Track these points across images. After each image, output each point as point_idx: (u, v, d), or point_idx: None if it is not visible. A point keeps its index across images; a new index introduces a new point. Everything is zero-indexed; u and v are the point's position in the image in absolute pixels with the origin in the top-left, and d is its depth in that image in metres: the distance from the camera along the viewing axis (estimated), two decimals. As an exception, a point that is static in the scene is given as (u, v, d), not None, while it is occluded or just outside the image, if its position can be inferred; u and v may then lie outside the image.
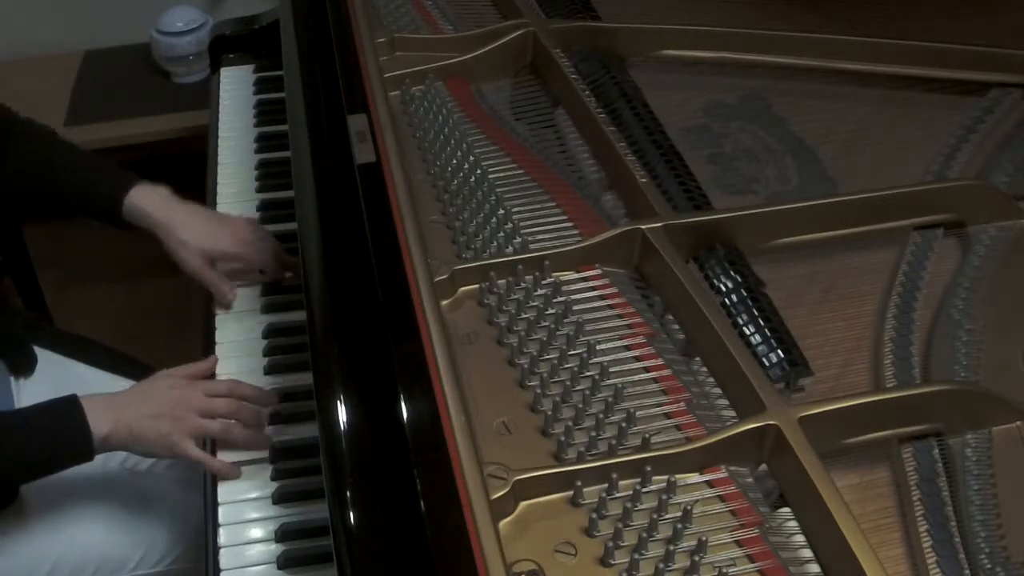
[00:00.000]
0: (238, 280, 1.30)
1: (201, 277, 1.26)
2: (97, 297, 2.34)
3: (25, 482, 1.12)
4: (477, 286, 0.97)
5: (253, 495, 1.07)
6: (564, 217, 1.05)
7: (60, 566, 1.19)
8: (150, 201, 1.26)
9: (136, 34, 2.49)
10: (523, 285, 0.97)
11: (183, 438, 1.07)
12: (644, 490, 0.79)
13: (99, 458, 1.33)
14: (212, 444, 1.11)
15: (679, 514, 0.77)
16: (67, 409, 1.04)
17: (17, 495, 1.19)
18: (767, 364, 0.89)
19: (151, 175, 1.35)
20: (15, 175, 1.29)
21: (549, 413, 0.84)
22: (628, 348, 0.91)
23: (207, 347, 1.23)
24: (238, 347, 1.24)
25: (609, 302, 0.96)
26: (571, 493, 0.79)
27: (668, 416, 0.85)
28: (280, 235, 1.36)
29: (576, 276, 0.98)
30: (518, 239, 1.02)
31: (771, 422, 0.80)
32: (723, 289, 0.97)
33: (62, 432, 1.04)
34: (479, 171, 1.11)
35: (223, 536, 1.04)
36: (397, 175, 1.04)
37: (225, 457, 1.10)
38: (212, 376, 1.19)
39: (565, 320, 0.93)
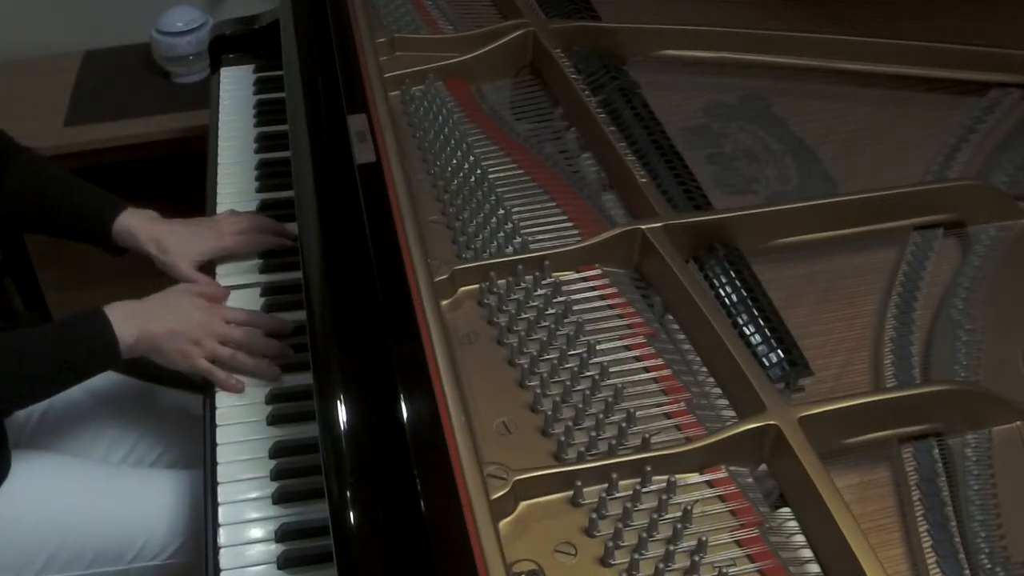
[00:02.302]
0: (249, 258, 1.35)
1: (191, 282, 1.29)
2: (97, 297, 2.34)
3: (57, 391, 1.17)
4: (477, 286, 0.97)
5: (253, 495, 1.07)
6: (564, 217, 1.05)
7: (57, 556, 1.19)
8: (137, 223, 1.32)
9: (136, 34, 2.49)
10: (523, 285, 0.97)
11: (199, 358, 1.16)
12: (644, 490, 0.79)
13: (98, 451, 1.35)
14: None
15: (679, 514, 0.77)
16: (96, 320, 1.12)
17: (9, 468, 1.20)
18: (767, 364, 0.89)
19: (151, 175, 1.36)
20: (10, 198, 1.34)
21: (549, 413, 0.84)
22: (628, 348, 0.91)
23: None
24: (238, 347, 1.23)
25: (609, 302, 0.96)
26: (571, 493, 0.79)
27: (668, 416, 0.85)
28: (280, 236, 1.36)
29: (576, 276, 0.98)
30: (518, 239, 1.02)
31: (771, 422, 0.80)
32: (723, 289, 0.97)
33: (93, 342, 1.12)
34: (479, 171, 1.11)
35: (223, 536, 1.03)
36: (397, 175, 1.03)
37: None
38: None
39: (565, 320, 0.93)
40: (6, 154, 1.35)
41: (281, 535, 1.03)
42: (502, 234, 1.02)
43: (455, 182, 1.10)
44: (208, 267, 1.34)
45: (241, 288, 1.31)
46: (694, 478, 0.81)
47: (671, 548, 0.75)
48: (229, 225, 1.34)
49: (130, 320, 1.13)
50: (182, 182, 1.40)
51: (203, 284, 1.28)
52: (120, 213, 1.32)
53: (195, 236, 1.32)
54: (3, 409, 1.13)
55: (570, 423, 0.83)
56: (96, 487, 1.25)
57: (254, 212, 1.40)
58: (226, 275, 1.33)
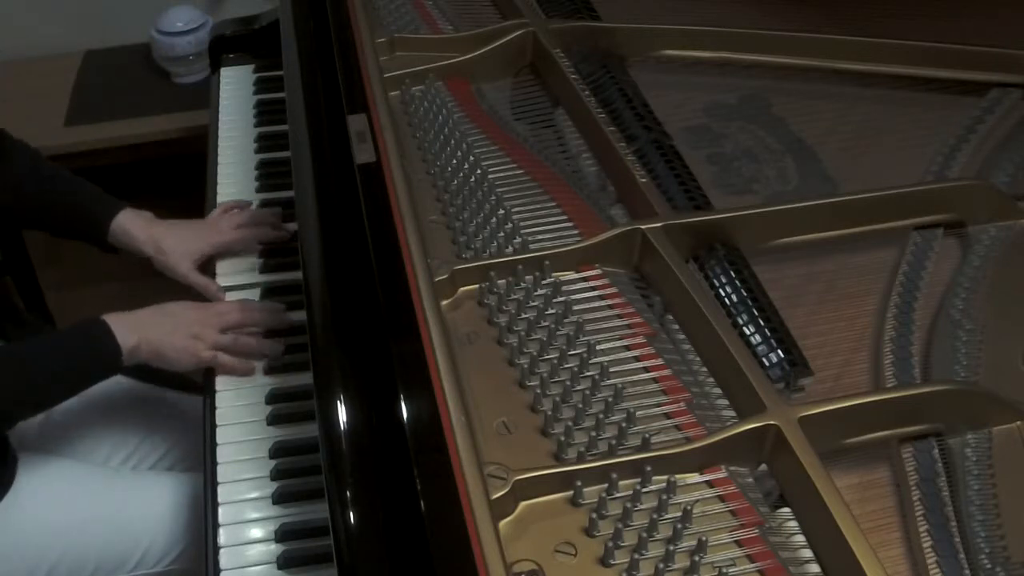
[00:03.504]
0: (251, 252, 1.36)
1: (189, 281, 1.31)
2: (97, 297, 2.34)
3: (59, 401, 1.19)
4: (477, 286, 0.97)
5: (253, 495, 1.07)
6: (564, 217, 1.05)
7: (59, 566, 1.19)
8: (133, 224, 1.33)
9: (136, 34, 2.49)
10: (523, 285, 0.97)
11: (203, 350, 1.17)
12: (644, 490, 0.79)
13: (100, 456, 1.35)
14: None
15: (679, 514, 0.77)
16: (97, 329, 1.13)
17: (14, 480, 1.20)
18: (767, 364, 0.89)
19: (151, 175, 1.36)
20: (8, 194, 1.35)
21: (549, 413, 0.84)
22: (628, 348, 0.91)
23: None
24: (238, 347, 1.23)
25: (609, 302, 0.96)
26: (571, 493, 0.79)
27: (668, 416, 0.85)
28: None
29: (576, 276, 0.98)
30: (518, 239, 1.02)
31: (771, 422, 0.80)
32: (723, 289, 0.97)
33: (95, 350, 1.13)
34: (479, 171, 1.11)
35: (223, 536, 1.04)
36: (397, 175, 1.03)
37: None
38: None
39: (565, 320, 0.93)
40: (4, 151, 1.35)
41: (281, 535, 1.03)
42: (502, 234, 1.02)
43: (455, 182, 1.10)
44: (208, 267, 1.35)
45: (241, 288, 1.32)
46: (694, 478, 0.81)
47: (671, 548, 0.75)
48: (227, 220, 1.35)
49: (129, 328, 1.14)
50: (182, 182, 1.40)
51: (202, 286, 1.29)
52: (117, 214, 1.33)
53: (192, 235, 1.33)
54: (7, 420, 1.13)
55: (570, 423, 0.83)
56: (98, 495, 1.24)
57: (251, 207, 1.40)
58: (226, 275, 1.33)
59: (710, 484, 0.80)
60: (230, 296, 1.30)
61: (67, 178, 1.37)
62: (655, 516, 0.77)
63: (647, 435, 0.81)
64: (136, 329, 1.14)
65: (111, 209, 1.33)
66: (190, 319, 1.18)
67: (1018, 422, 0.86)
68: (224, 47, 1.74)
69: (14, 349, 1.16)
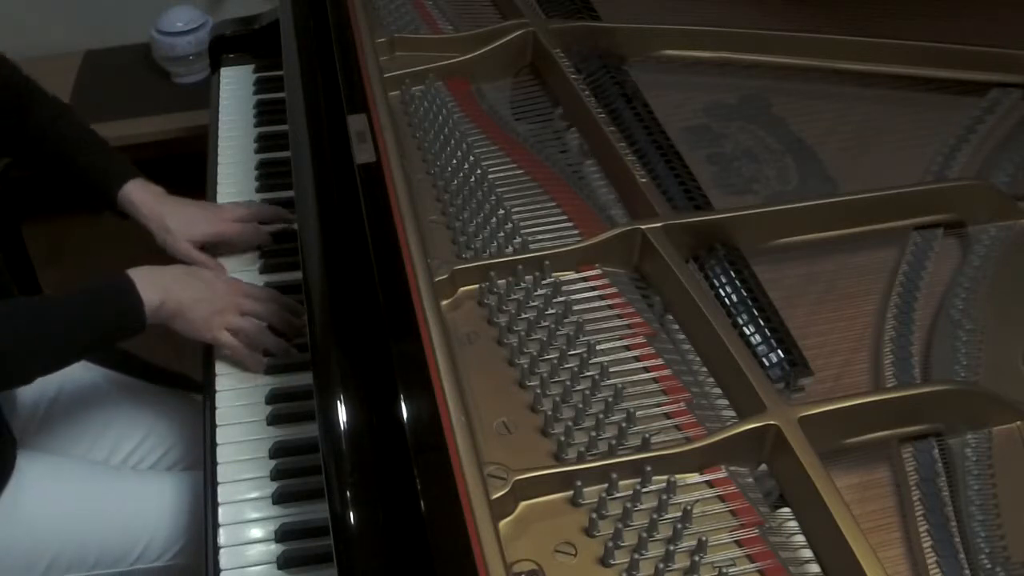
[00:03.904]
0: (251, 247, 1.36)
1: (190, 259, 1.31)
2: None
3: (83, 356, 1.19)
4: (477, 286, 0.97)
5: (253, 495, 1.07)
6: (564, 217, 1.05)
7: (59, 559, 1.19)
8: (142, 197, 1.32)
9: (136, 34, 2.49)
10: (523, 285, 0.97)
11: (220, 329, 1.16)
12: (644, 490, 0.79)
13: (99, 454, 1.35)
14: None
15: (679, 514, 0.77)
16: (121, 284, 1.12)
17: (14, 467, 1.20)
18: (767, 364, 0.89)
19: (151, 175, 1.36)
20: (32, 144, 1.35)
21: (549, 413, 0.84)
22: (628, 348, 0.91)
23: (208, 348, 1.23)
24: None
25: (609, 302, 0.96)
26: (571, 493, 0.79)
27: (668, 416, 0.85)
28: (280, 235, 1.37)
29: (576, 276, 0.98)
30: (518, 239, 1.02)
31: (771, 422, 0.80)
32: (723, 289, 0.97)
33: (121, 308, 1.11)
34: (479, 171, 1.11)
35: (223, 536, 1.03)
36: (397, 175, 1.03)
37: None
38: None
39: (565, 320, 0.93)
40: (32, 101, 1.36)
41: (281, 535, 1.03)
42: (502, 234, 1.02)
43: (455, 182, 1.10)
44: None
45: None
46: (694, 478, 0.81)
47: (671, 548, 0.75)
48: (230, 211, 1.35)
49: (156, 283, 1.13)
50: (182, 182, 1.40)
51: (201, 262, 1.29)
52: (128, 182, 1.32)
53: (196, 218, 1.33)
54: (30, 374, 1.11)
55: (570, 423, 0.83)
56: (99, 490, 1.25)
57: (258, 202, 1.41)
58: (228, 269, 1.33)
59: (710, 484, 0.80)
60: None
61: (90, 136, 1.37)
62: (655, 516, 0.77)
63: (647, 435, 0.81)
64: (162, 285, 1.13)
65: (122, 177, 1.33)
66: (219, 291, 1.18)
67: (1018, 422, 0.86)
68: (224, 47, 1.73)
69: (33, 300, 1.14)
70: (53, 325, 1.09)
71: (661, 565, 0.73)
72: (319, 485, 0.85)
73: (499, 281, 0.97)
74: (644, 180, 1.05)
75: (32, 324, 1.07)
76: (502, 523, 0.76)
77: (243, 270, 1.33)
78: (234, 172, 1.51)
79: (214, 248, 1.34)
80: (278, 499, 1.06)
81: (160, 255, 1.31)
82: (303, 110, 1.21)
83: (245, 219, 1.35)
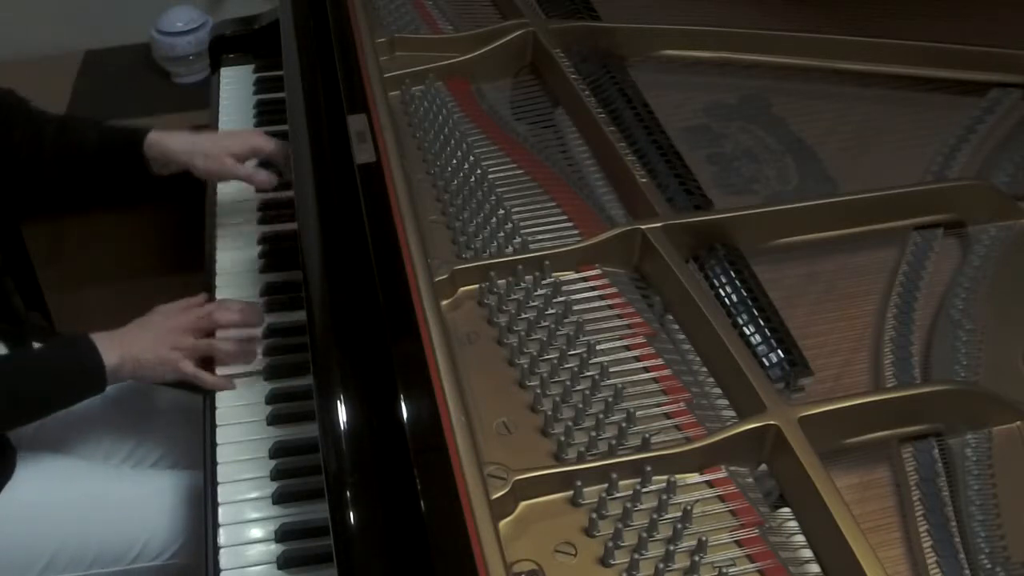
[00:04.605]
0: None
1: (234, 174, 1.33)
2: (97, 297, 2.34)
3: (43, 416, 1.20)
4: (477, 286, 0.97)
5: (253, 495, 1.07)
6: (564, 217, 1.05)
7: (58, 558, 1.20)
8: (168, 137, 1.34)
9: (136, 34, 2.49)
10: (523, 285, 0.97)
11: (181, 359, 1.17)
12: (644, 490, 0.79)
13: (100, 454, 1.35)
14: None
15: (679, 514, 0.77)
16: (82, 346, 1.13)
17: (13, 470, 1.20)
18: (767, 364, 0.89)
19: (151, 175, 1.35)
20: (44, 147, 1.35)
21: (549, 413, 0.84)
22: (628, 348, 0.91)
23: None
24: (238, 347, 1.23)
25: (609, 302, 0.96)
26: (571, 493, 0.79)
27: (668, 416, 0.85)
28: (280, 235, 1.37)
29: (576, 276, 0.98)
30: (518, 239, 1.02)
31: (771, 422, 0.80)
32: (723, 289, 0.97)
33: (82, 370, 1.13)
34: (479, 171, 1.11)
35: (223, 536, 1.03)
36: (397, 175, 1.04)
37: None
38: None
39: (565, 320, 0.93)
40: (27, 115, 1.36)
41: (281, 535, 1.03)
42: (502, 234, 1.02)
43: (455, 182, 1.10)
44: (209, 265, 1.35)
45: (241, 287, 1.31)
46: (694, 478, 0.81)
47: (671, 548, 0.75)
48: (259, 133, 1.38)
49: (112, 345, 1.14)
50: (182, 182, 1.40)
51: (248, 176, 1.32)
52: (149, 133, 1.34)
53: (227, 136, 1.38)
54: None
55: (570, 423, 0.83)
56: (98, 489, 1.25)
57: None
58: (226, 275, 1.33)
59: (710, 484, 0.80)
60: (228, 295, 1.30)
61: (92, 123, 1.38)
62: (655, 516, 0.77)
63: (647, 435, 0.81)
64: (119, 347, 1.14)
65: (140, 132, 1.34)
66: (167, 327, 1.18)
67: (1018, 422, 0.86)
68: (224, 47, 1.74)
69: (2, 358, 1.16)
70: (17, 387, 1.11)
71: (661, 565, 0.73)
72: (319, 485, 0.85)
73: (499, 281, 0.97)
74: (644, 180, 1.05)
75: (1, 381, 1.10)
76: (502, 523, 0.76)
77: (243, 272, 1.33)
78: (234, 172, 1.50)
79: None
80: (278, 499, 1.06)
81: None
82: (303, 110, 1.21)
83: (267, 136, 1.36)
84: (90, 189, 1.43)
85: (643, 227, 0.98)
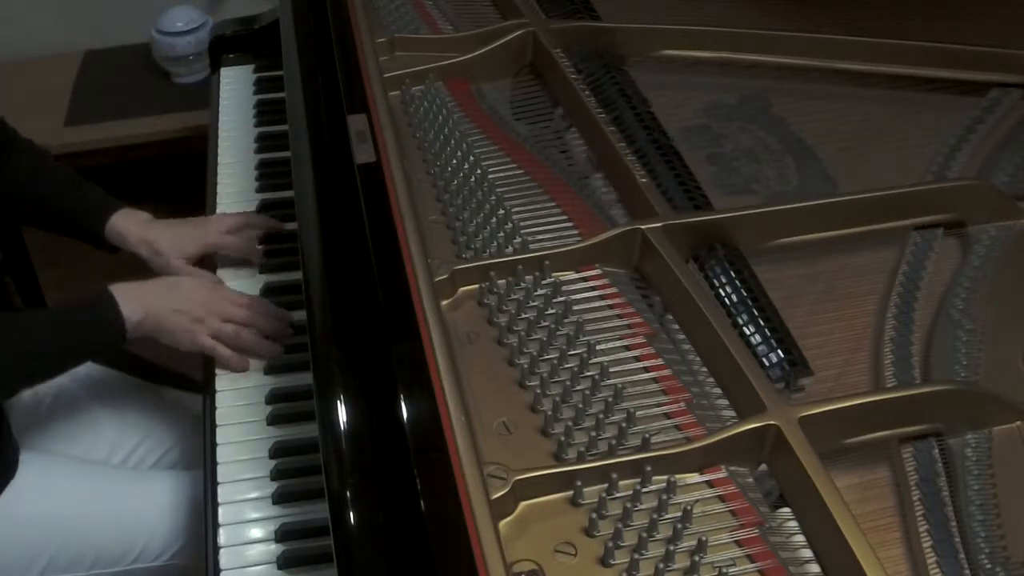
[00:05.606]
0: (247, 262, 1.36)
1: (187, 275, 1.30)
2: (97, 297, 2.34)
3: (64, 371, 1.20)
4: (477, 286, 0.97)
5: (253, 495, 1.07)
6: (564, 217, 1.05)
7: (58, 558, 1.20)
8: (128, 226, 1.34)
9: (136, 34, 2.49)
10: (523, 285, 0.97)
11: (203, 335, 1.17)
12: (644, 490, 0.79)
13: (99, 453, 1.35)
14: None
15: (679, 514, 0.77)
16: (102, 300, 1.13)
17: (15, 470, 1.20)
18: (767, 364, 0.89)
19: (151, 175, 1.36)
20: (10, 189, 1.35)
21: (549, 413, 0.84)
22: (628, 348, 0.91)
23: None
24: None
25: (609, 302, 0.96)
26: (571, 493, 0.79)
27: (668, 416, 0.85)
28: (280, 235, 1.37)
29: (576, 276, 0.98)
30: (518, 239, 1.02)
31: (771, 422, 0.80)
32: (723, 289, 0.97)
33: (101, 320, 1.13)
34: (479, 171, 1.11)
35: (223, 536, 1.03)
36: (397, 175, 1.03)
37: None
38: None
39: (565, 320, 0.93)
40: (9, 146, 1.36)
41: (281, 535, 1.03)
42: (502, 234, 1.02)
43: (455, 182, 1.10)
44: (209, 265, 1.35)
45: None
46: (694, 478, 0.81)
47: (671, 548, 0.75)
48: (218, 223, 1.35)
49: (135, 299, 1.14)
50: (182, 182, 1.41)
51: (200, 276, 1.29)
52: (113, 214, 1.33)
53: (185, 236, 1.34)
54: (12, 389, 1.13)
55: (570, 423, 0.83)
56: (98, 489, 1.25)
57: (249, 211, 1.41)
58: (226, 277, 1.33)
59: (710, 484, 0.80)
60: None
61: (68, 179, 1.38)
62: (655, 516, 0.77)
63: (647, 435, 0.81)
64: (142, 302, 1.14)
65: (107, 210, 1.34)
66: (198, 300, 1.18)
67: (1018, 422, 0.86)
68: (224, 47, 1.74)
69: (16, 318, 1.15)
70: (36, 342, 1.10)
71: (661, 565, 0.73)
72: (319, 485, 0.85)
73: (499, 281, 0.97)
74: (644, 180, 1.05)
75: (16, 338, 1.09)
76: (502, 523, 0.76)
77: (243, 272, 1.33)
78: (234, 172, 1.51)
79: (211, 262, 1.34)
80: (278, 499, 1.06)
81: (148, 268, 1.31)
82: (303, 110, 1.21)
83: (234, 229, 1.34)
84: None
85: (643, 227, 0.98)
